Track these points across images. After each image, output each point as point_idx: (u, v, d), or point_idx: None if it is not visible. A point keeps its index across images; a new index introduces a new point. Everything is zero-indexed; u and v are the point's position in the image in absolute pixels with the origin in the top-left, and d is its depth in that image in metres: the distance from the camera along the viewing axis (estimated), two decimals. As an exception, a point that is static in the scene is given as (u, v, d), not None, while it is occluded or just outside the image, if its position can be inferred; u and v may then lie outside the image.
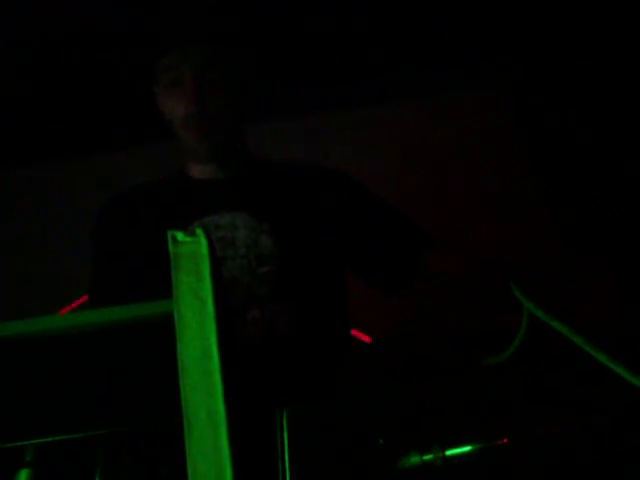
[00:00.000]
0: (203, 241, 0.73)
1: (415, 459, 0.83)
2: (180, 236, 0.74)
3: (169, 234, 0.74)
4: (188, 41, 1.55)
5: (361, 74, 2.97)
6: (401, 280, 1.62)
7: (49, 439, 0.74)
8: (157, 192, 1.64)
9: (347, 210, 1.59)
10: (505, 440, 0.87)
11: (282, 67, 2.89)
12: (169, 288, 0.69)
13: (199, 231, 0.73)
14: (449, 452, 0.84)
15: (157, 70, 1.58)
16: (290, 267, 1.47)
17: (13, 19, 2.65)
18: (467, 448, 0.85)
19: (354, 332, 1.68)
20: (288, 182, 1.61)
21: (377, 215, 1.63)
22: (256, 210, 1.50)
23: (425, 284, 1.62)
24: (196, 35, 1.57)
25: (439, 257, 1.57)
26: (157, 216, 1.54)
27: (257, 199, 1.54)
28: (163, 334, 0.71)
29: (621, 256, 2.49)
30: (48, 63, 2.83)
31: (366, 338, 2.38)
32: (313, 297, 1.49)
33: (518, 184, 2.89)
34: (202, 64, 1.53)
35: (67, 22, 2.71)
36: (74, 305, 2.80)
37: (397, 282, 1.62)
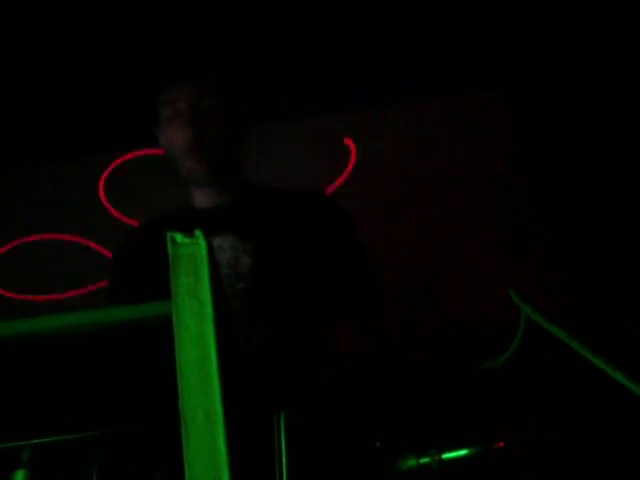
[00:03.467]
0: (202, 243, 0.73)
1: (412, 462, 0.83)
2: (179, 237, 0.74)
3: (168, 235, 0.74)
4: (183, 76, 1.68)
5: (358, 77, 2.97)
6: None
7: (46, 440, 0.74)
8: (164, 223, 1.76)
9: (324, 240, 1.67)
10: (502, 444, 0.87)
11: (284, 67, 2.89)
12: None
13: (198, 233, 0.73)
14: (446, 455, 0.84)
15: (157, 108, 1.70)
16: (265, 284, 1.56)
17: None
18: (464, 451, 0.85)
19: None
20: (277, 207, 1.71)
21: (343, 259, 1.69)
22: (241, 232, 1.62)
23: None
24: (189, 68, 1.68)
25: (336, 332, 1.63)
26: (159, 245, 1.65)
27: (244, 222, 1.65)
28: (161, 335, 0.71)
29: (621, 261, 2.49)
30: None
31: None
32: (287, 312, 1.57)
33: (516, 188, 2.89)
34: (198, 95, 1.65)
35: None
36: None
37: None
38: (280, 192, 1.78)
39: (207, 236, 1.61)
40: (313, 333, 1.62)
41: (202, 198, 1.72)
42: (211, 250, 0.72)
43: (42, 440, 0.73)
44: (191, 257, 0.71)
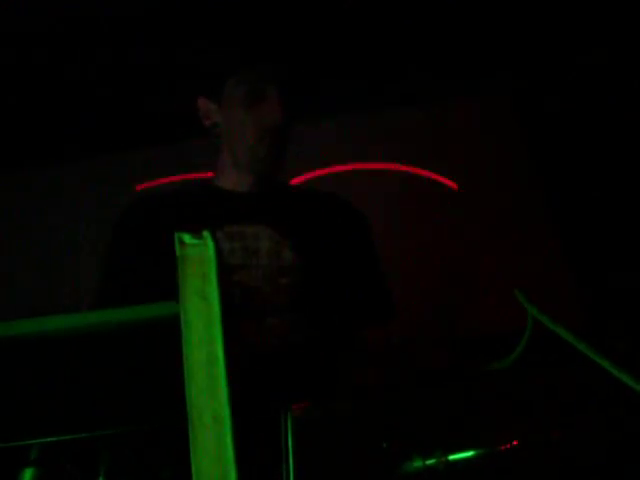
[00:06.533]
0: (210, 243, 0.73)
1: (418, 463, 0.83)
2: (187, 238, 0.74)
3: (176, 236, 0.74)
4: (262, 58, 1.61)
5: (361, 78, 2.97)
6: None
7: (54, 439, 0.74)
8: (185, 198, 1.69)
9: (349, 247, 1.68)
10: (508, 445, 0.87)
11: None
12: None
13: (206, 233, 0.73)
14: (452, 457, 0.84)
15: (225, 83, 1.61)
16: (308, 281, 1.55)
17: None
18: (470, 453, 0.85)
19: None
20: (312, 206, 1.70)
21: (362, 268, 1.70)
22: (280, 226, 1.57)
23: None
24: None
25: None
26: (182, 221, 1.58)
27: (282, 216, 1.62)
28: (169, 336, 0.71)
29: (627, 262, 2.49)
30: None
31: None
32: (328, 309, 1.57)
33: (522, 189, 2.89)
34: (283, 81, 1.59)
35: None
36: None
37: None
38: (308, 192, 1.79)
39: (239, 220, 1.54)
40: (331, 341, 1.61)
41: (237, 181, 1.65)
42: (218, 251, 0.72)
43: (50, 439, 0.74)
44: (199, 258, 0.71)
